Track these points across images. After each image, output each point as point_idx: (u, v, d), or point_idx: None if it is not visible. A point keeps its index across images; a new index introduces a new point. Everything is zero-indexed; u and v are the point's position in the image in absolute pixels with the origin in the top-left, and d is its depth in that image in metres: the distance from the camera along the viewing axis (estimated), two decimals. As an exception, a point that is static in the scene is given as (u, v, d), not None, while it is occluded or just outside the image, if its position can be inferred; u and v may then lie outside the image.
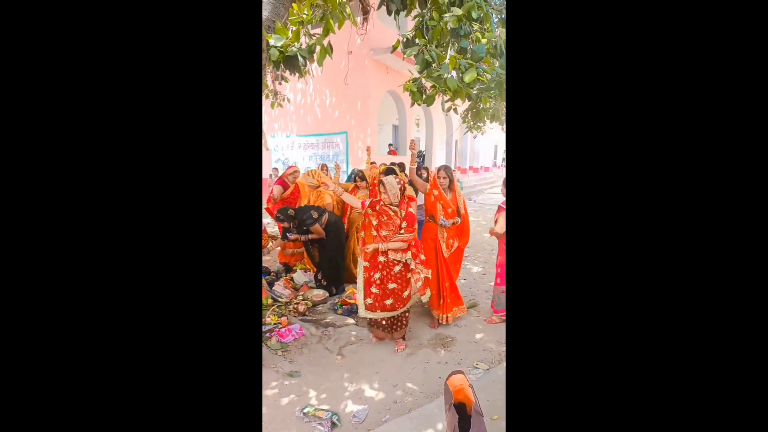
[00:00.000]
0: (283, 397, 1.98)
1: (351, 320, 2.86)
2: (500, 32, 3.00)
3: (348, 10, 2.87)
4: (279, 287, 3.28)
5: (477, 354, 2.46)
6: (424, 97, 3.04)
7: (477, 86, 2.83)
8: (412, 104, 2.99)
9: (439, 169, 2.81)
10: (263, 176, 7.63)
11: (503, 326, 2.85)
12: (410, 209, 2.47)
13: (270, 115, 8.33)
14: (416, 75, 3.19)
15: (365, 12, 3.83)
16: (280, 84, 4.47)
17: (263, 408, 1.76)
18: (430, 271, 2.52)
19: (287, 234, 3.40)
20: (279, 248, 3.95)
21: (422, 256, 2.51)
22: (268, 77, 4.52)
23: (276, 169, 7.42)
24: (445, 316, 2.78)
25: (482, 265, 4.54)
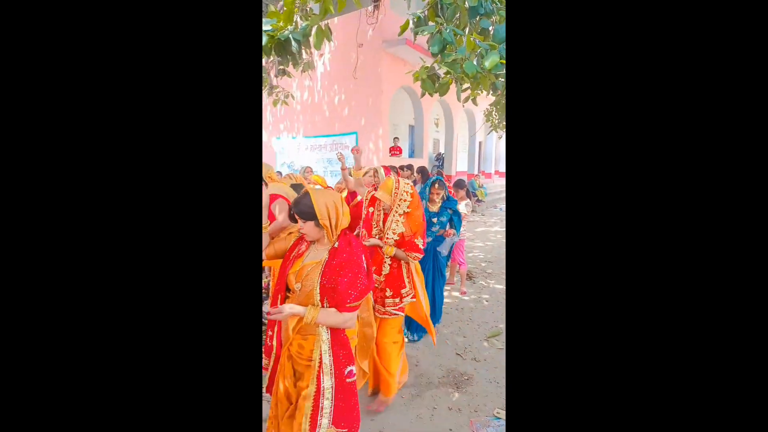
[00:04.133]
0: None
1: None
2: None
3: (352, -11, 2.47)
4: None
5: (499, 398, 1.99)
6: (436, 86, 2.60)
7: (502, 74, 2.34)
8: (422, 95, 2.54)
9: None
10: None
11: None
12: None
13: (275, 115, 7.99)
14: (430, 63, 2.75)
15: (376, -1, 3.44)
16: (280, 78, 4.09)
17: None
18: None
19: None
20: None
21: None
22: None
23: (279, 173, 7.00)
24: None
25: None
